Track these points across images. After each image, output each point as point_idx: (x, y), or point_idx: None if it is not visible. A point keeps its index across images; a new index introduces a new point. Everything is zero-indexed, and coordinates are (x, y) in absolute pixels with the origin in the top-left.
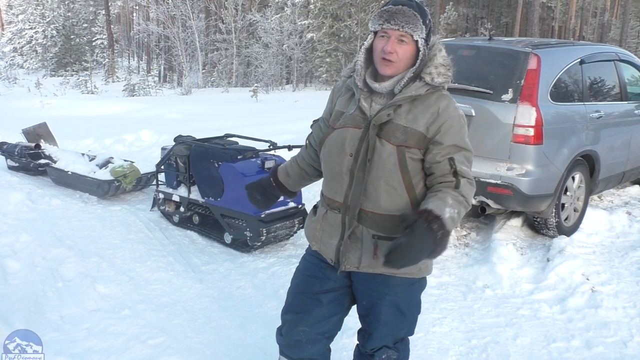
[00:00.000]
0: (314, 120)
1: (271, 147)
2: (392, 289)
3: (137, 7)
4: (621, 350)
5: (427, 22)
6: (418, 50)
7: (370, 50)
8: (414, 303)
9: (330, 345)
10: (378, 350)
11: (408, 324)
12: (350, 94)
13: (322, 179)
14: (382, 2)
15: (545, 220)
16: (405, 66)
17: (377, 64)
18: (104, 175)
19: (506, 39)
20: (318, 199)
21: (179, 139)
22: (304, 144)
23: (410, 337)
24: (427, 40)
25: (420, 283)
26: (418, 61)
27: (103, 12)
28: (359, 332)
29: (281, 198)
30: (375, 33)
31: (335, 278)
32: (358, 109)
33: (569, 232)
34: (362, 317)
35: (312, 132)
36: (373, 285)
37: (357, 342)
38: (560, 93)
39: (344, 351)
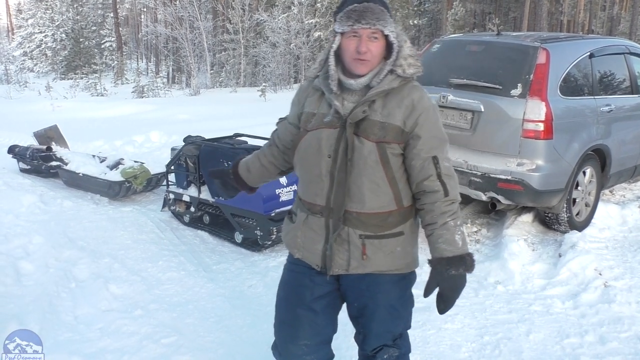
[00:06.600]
0: (280, 118)
1: None
2: (382, 287)
3: (145, 9)
4: (636, 346)
5: (391, 14)
6: (389, 43)
7: (336, 52)
8: (406, 298)
9: (337, 345)
10: (379, 351)
11: (403, 320)
12: (319, 94)
13: (298, 183)
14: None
15: (557, 216)
16: (379, 61)
17: (349, 65)
18: (115, 176)
19: (514, 33)
20: None
21: (188, 139)
22: (269, 140)
23: (422, 334)
24: None
25: (410, 278)
26: (394, 53)
27: (111, 15)
28: (355, 335)
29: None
30: (342, 33)
31: (324, 282)
32: (330, 108)
33: (581, 227)
34: (354, 318)
35: (277, 130)
36: (363, 286)
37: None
38: (570, 87)
39: (349, 349)
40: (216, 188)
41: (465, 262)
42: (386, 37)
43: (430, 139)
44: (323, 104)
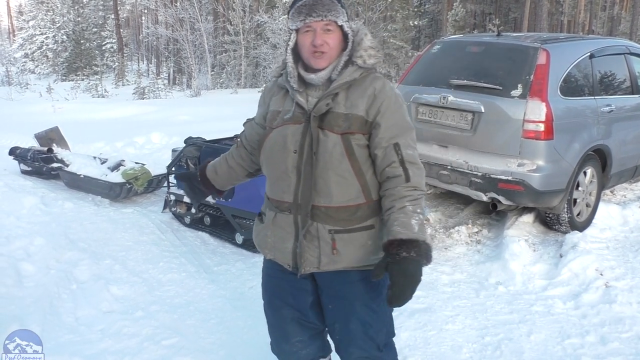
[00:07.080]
0: (247, 119)
1: None
2: (357, 287)
3: (145, 11)
4: (637, 346)
5: (343, 4)
6: (344, 34)
7: (295, 49)
8: (382, 297)
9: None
10: None
11: (382, 322)
12: (284, 92)
13: (266, 181)
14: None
15: (558, 216)
16: (337, 53)
17: (308, 60)
18: (116, 178)
19: (515, 34)
20: None
21: (189, 141)
22: (236, 142)
23: (423, 335)
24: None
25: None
26: (350, 43)
27: (112, 16)
28: (336, 348)
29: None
30: (297, 30)
31: (302, 284)
32: (295, 104)
33: (582, 227)
34: (331, 326)
35: (244, 131)
36: (335, 284)
37: None
38: (571, 88)
39: None
40: (185, 193)
41: (419, 246)
42: (341, 28)
43: (392, 127)
44: (287, 101)
